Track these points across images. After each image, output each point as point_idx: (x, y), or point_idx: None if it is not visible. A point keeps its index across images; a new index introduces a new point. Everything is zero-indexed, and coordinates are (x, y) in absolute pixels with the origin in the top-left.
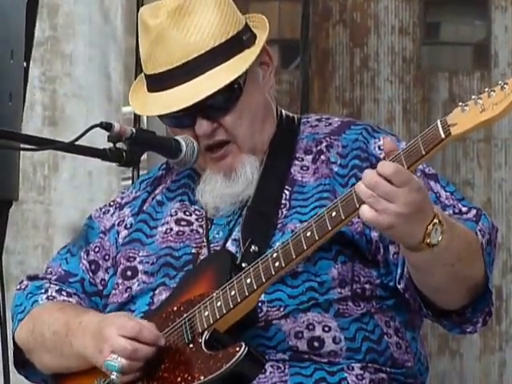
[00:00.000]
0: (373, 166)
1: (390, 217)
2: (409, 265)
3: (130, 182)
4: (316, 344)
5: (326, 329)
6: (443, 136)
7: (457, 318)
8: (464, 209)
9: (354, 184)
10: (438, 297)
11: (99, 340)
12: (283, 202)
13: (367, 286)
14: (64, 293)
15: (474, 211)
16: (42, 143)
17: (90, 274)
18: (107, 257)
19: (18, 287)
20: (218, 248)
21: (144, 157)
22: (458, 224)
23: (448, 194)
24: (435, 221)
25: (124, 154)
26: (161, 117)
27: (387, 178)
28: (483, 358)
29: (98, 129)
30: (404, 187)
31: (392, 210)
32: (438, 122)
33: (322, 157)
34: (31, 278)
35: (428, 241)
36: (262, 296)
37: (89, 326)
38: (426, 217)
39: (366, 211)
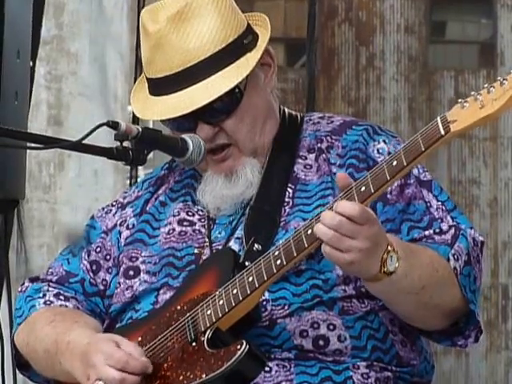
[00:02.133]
0: (370, 169)
1: (353, 253)
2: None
3: (131, 181)
4: (321, 342)
5: (331, 327)
6: (443, 132)
7: (449, 329)
8: (445, 227)
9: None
10: (415, 323)
11: (86, 365)
12: (286, 200)
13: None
14: (62, 297)
15: (452, 231)
16: (48, 142)
17: (91, 274)
18: (108, 257)
19: (20, 289)
20: (221, 247)
21: (150, 155)
22: (422, 251)
23: (439, 203)
24: (389, 249)
25: (130, 152)
26: (162, 120)
27: (351, 217)
28: (489, 357)
29: (101, 127)
30: (366, 224)
31: (354, 246)
32: (438, 118)
33: (323, 156)
34: (32, 280)
35: (385, 269)
36: (266, 295)
37: (76, 347)
38: (381, 247)
39: (328, 250)
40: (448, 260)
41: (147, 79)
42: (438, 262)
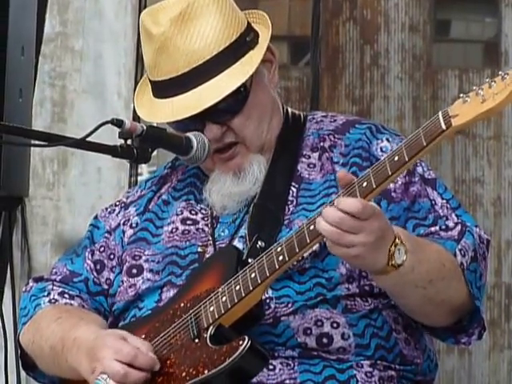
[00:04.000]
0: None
1: (356, 248)
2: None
3: (138, 178)
4: (325, 340)
5: (335, 325)
6: (444, 127)
7: (453, 326)
8: (451, 224)
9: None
10: (420, 318)
11: (93, 359)
12: (290, 198)
13: (375, 283)
14: (66, 295)
15: (458, 227)
16: (52, 139)
17: (95, 273)
18: (112, 256)
19: (24, 289)
20: (224, 246)
21: (154, 153)
22: (430, 246)
23: (444, 201)
24: (397, 241)
25: (135, 150)
26: (169, 122)
27: (353, 214)
28: (492, 356)
29: (105, 125)
30: (370, 218)
31: (358, 241)
32: (440, 113)
33: (326, 154)
34: (36, 280)
35: (392, 262)
36: (270, 292)
37: (83, 343)
38: (387, 240)
39: (331, 245)
40: (455, 255)
41: (151, 82)
42: (446, 257)
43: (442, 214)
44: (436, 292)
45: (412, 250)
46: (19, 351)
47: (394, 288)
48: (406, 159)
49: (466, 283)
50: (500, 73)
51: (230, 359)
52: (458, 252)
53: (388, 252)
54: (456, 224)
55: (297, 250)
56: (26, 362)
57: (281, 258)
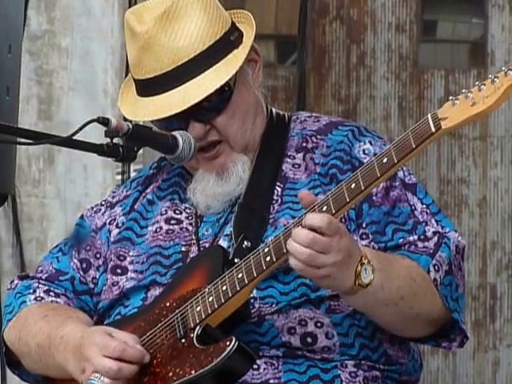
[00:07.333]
0: (355, 169)
1: (327, 268)
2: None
3: (123, 176)
4: (309, 340)
5: (319, 324)
6: (433, 130)
7: (434, 332)
8: (429, 234)
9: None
10: (397, 332)
11: (80, 358)
12: (275, 197)
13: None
14: (52, 293)
15: (435, 239)
16: (38, 137)
17: (81, 272)
18: (98, 255)
19: (9, 286)
20: (207, 245)
21: (140, 151)
22: (400, 262)
23: (424, 206)
24: (363, 261)
25: (121, 149)
26: (152, 120)
27: (320, 230)
28: (477, 357)
29: (91, 123)
30: (336, 235)
31: (328, 261)
32: (429, 115)
33: (309, 155)
34: (21, 278)
35: (359, 282)
36: (254, 292)
37: (70, 340)
38: (354, 259)
39: (302, 268)
40: (428, 271)
41: (135, 81)
42: (417, 272)
43: (421, 220)
44: (409, 308)
45: (380, 268)
46: (3, 348)
47: (366, 307)
48: (395, 161)
49: (441, 298)
50: (490, 76)
51: (218, 360)
52: (431, 268)
53: (355, 272)
54: (434, 234)
55: (284, 251)
56: (10, 359)
57: (268, 258)
